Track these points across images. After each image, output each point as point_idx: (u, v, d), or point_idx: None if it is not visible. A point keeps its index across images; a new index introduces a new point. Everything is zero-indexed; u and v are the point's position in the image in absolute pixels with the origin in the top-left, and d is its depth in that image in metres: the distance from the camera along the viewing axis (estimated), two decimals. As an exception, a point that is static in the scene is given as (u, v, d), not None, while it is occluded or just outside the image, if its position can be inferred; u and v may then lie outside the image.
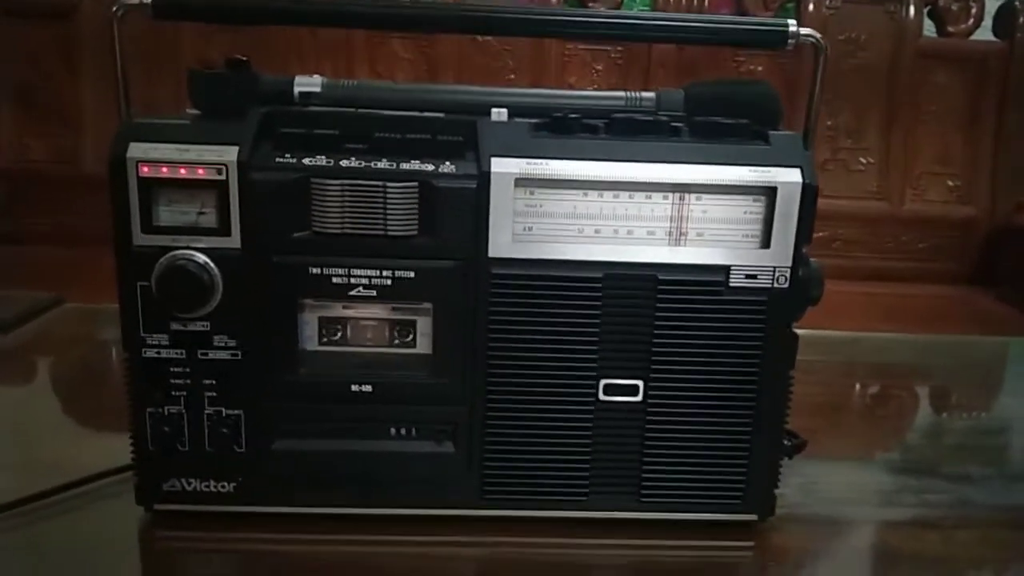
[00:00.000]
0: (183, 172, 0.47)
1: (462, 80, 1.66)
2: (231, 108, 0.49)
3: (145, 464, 0.51)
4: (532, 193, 0.48)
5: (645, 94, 0.54)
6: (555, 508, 0.53)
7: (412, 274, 0.48)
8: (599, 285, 0.49)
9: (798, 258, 0.49)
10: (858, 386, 0.89)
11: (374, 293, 0.49)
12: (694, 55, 1.68)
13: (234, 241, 0.47)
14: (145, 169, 0.46)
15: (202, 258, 0.47)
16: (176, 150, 0.47)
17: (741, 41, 0.54)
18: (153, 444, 0.50)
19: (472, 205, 0.48)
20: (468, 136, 0.49)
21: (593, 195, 0.49)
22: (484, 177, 0.47)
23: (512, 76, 1.69)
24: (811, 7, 1.72)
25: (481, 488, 0.52)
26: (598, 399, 0.51)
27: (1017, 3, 1.74)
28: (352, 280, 0.48)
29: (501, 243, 0.48)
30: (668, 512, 0.53)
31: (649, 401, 0.51)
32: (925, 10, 1.74)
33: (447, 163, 0.48)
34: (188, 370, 0.49)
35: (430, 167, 0.48)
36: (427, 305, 0.50)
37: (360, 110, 0.51)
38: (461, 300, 0.49)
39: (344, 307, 0.50)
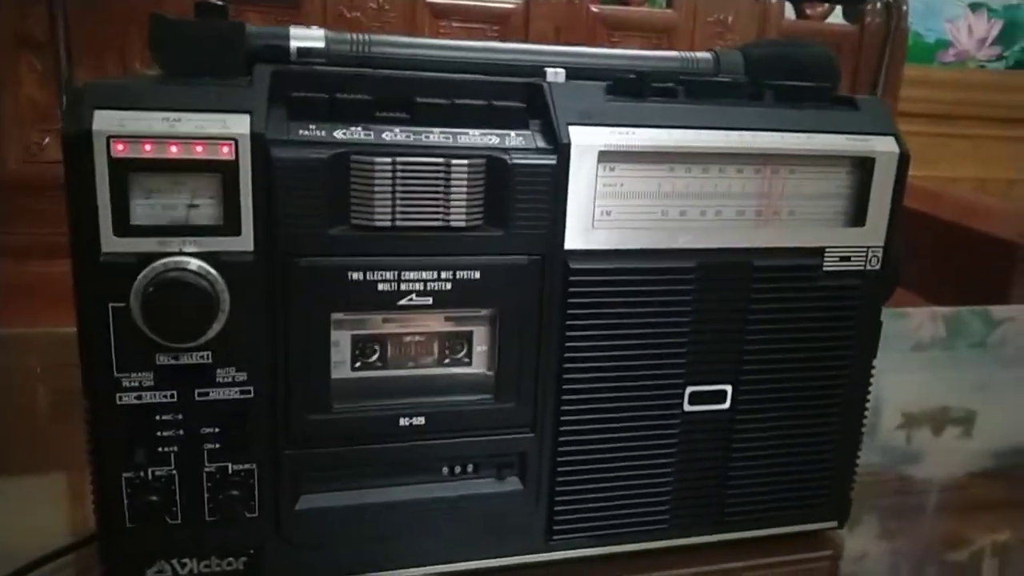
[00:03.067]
0: (174, 151, 0.34)
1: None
2: (213, 67, 0.37)
3: (120, 547, 0.38)
4: (613, 169, 0.40)
5: (700, 55, 0.47)
6: (632, 541, 0.45)
7: (477, 275, 0.39)
8: (691, 276, 0.42)
9: (892, 237, 0.44)
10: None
11: (429, 301, 0.38)
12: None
13: (245, 242, 0.36)
14: (120, 147, 0.34)
15: (202, 266, 0.35)
16: (163, 120, 0.34)
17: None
18: (133, 519, 0.37)
19: (550, 186, 0.39)
20: (531, 101, 0.40)
21: (680, 170, 0.41)
22: (564, 150, 0.39)
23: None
24: (683, -10, 1.73)
25: (549, 528, 0.43)
26: (683, 411, 0.43)
27: (863, -11, 1.83)
28: (403, 286, 0.38)
29: (578, 232, 0.40)
30: (752, 530, 0.47)
31: (737, 408, 0.44)
32: (786, -6, 1.80)
33: (513, 135, 0.39)
34: (181, 417, 0.37)
35: (493, 139, 0.38)
36: (483, 313, 0.40)
37: (383, 71, 0.41)
38: (533, 303, 0.40)
39: (384, 321, 0.39)
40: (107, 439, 0.36)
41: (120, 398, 0.36)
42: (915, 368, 0.81)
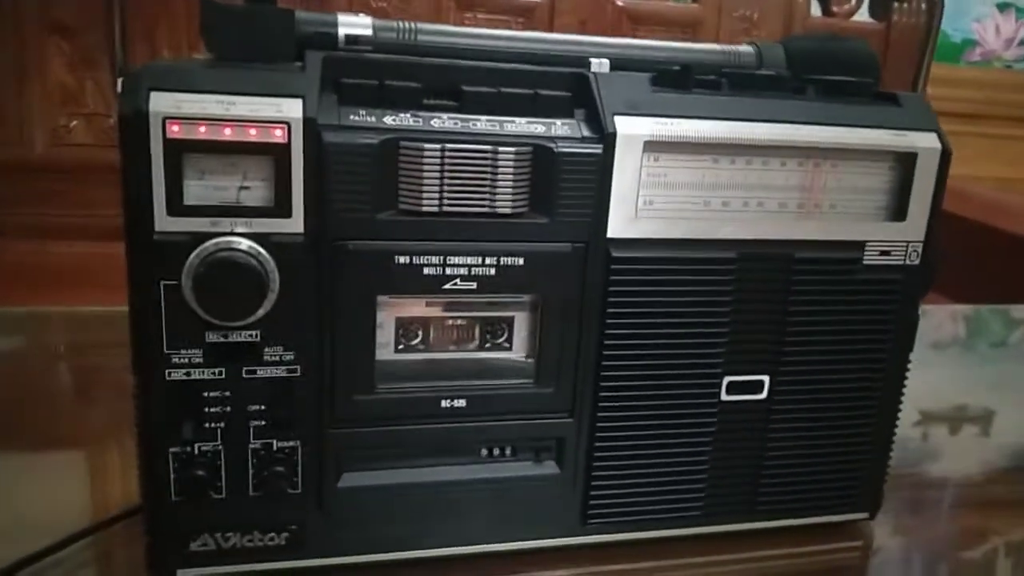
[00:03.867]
0: (228, 133, 0.35)
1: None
2: (263, 52, 0.38)
3: (165, 520, 0.38)
4: (657, 160, 0.40)
5: (743, 48, 0.47)
6: (665, 527, 0.45)
7: (521, 261, 0.39)
8: (732, 267, 0.42)
9: (932, 232, 0.44)
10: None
11: (474, 285, 0.39)
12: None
13: (295, 224, 0.36)
14: (175, 128, 0.34)
15: (253, 246, 0.36)
16: (217, 103, 0.35)
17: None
18: (179, 493, 0.38)
19: (596, 174, 0.39)
20: (576, 91, 0.40)
21: (724, 162, 0.41)
22: (610, 139, 0.39)
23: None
24: (708, -16, 1.72)
25: (584, 512, 0.44)
26: (720, 400, 0.44)
27: (891, -13, 1.82)
28: (448, 271, 0.38)
29: (622, 221, 0.40)
30: (785, 519, 0.47)
31: (774, 398, 0.45)
32: (813, -10, 1.79)
33: (559, 123, 0.39)
34: (228, 394, 0.38)
35: (540, 128, 0.39)
36: (525, 299, 0.41)
37: (430, 59, 0.41)
38: (575, 291, 0.40)
39: (428, 304, 0.40)
40: (155, 414, 0.37)
41: (169, 374, 0.37)
42: (934, 366, 0.81)
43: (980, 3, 2.04)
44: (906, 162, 0.43)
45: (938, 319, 0.99)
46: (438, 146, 0.37)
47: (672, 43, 0.46)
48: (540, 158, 0.38)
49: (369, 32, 0.42)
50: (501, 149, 0.37)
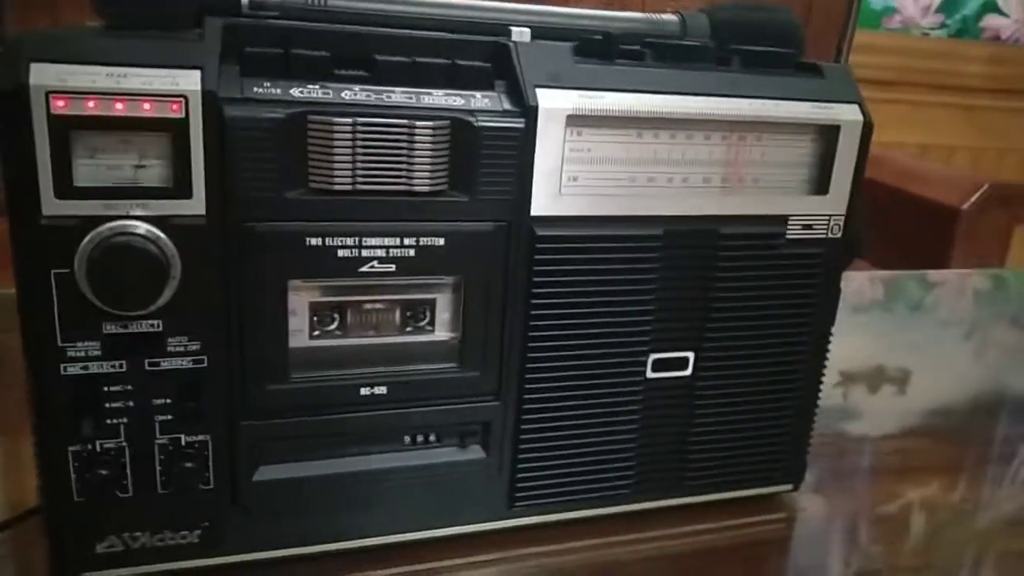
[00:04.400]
0: (120, 108, 0.32)
1: None
2: (160, 19, 0.35)
3: (67, 522, 0.36)
4: (580, 134, 0.39)
5: (667, 16, 0.46)
6: (594, 506, 0.45)
7: (441, 241, 0.37)
8: (658, 244, 0.41)
9: (853, 206, 0.45)
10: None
11: (392, 268, 0.37)
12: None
13: (196, 205, 0.34)
14: (60, 103, 0.31)
15: (151, 230, 0.33)
16: (108, 75, 0.32)
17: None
18: (81, 494, 0.36)
19: (517, 150, 0.38)
20: (496, 61, 0.39)
21: (648, 136, 0.40)
22: (531, 113, 0.37)
23: None
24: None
25: (511, 495, 0.43)
26: (646, 377, 0.43)
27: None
28: (364, 253, 0.37)
29: (546, 198, 0.39)
30: (713, 493, 0.47)
31: (699, 374, 0.44)
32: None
33: (478, 96, 0.37)
34: (131, 388, 0.35)
35: (458, 101, 0.37)
36: (447, 280, 0.39)
37: (341, 26, 0.39)
38: (498, 271, 0.39)
39: (344, 288, 0.38)
40: (52, 411, 0.35)
41: (65, 368, 0.34)
42: (853, 329, 0.83)
43: (899, -30, 2.08)
44: (829, 135, 0.43)
45: (858, 283, 1.01)
46: (349, 120, 0.35)
47: (595, 11, 0.45)
48: (459, 133, 0.37)
49: (275, -3, 0.39)
50: (418, 124, 0.36)
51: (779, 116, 0.42)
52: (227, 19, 0.36)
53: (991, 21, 2.10)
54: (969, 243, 1.32)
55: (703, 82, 0.41)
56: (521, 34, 0.40)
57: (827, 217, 0.44)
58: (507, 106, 0.38)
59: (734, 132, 0.42)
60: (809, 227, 0.44)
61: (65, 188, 0.32)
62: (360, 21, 0.40)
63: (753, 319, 0.44)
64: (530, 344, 0.40)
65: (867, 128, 0.44)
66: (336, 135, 0.35)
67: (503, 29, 0.41)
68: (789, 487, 0.49)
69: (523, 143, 0.38)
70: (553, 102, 0.38)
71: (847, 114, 0.43)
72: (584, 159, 0.39)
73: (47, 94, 0.31)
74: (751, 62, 0.43)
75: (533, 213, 0.39)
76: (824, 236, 0.44)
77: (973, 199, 1.33)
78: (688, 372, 0.44)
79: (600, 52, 0.40)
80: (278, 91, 0.34)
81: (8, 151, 0.32)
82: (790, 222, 0.44)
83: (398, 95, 0.36)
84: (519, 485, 0.43)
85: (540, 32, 0.41)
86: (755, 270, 0.43)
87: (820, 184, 0.44)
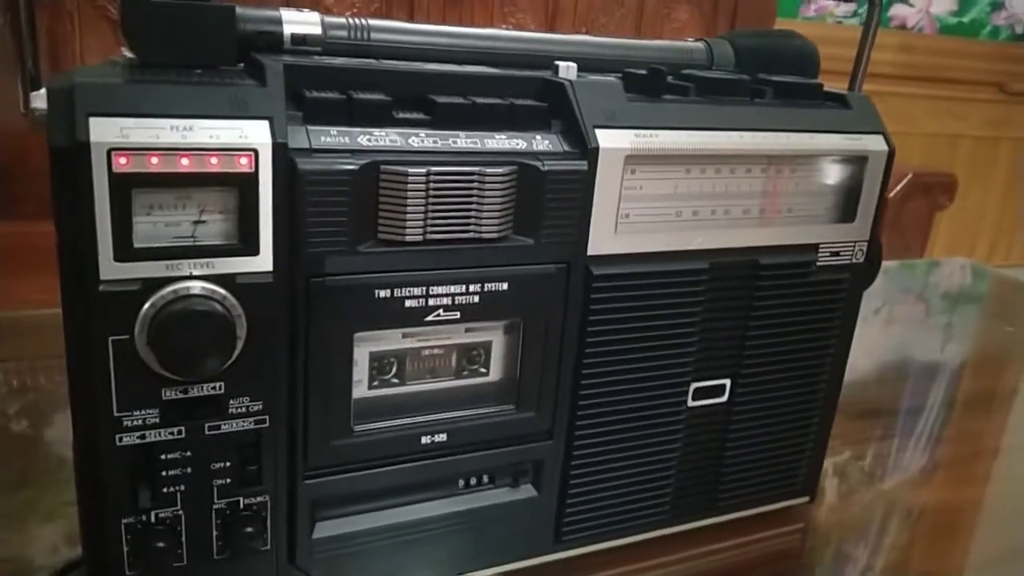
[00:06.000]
0: (185, 164, 0.30)
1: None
2: (199, 55, 0.33)
3: (118, 596, 0.34)
4: (634, 172, 0.39)
5: (693, 45, 0.46)
6: (635, 532, 0.45)
7: (505, 285, 0.37)
8: (705, 277, 0.41)
9: (876, 231, 0.46)
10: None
11: (457, 315, 0.36)
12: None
13: (263, 262, 0.32)
14: (123, 161, 0.29)
15: (216, 291, 0.31)
16: (172, 129, 0.30)
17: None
18: (133, 567, 0.34)
19: (580, 191, 0.37)
20: (551, 99, 0.38)
21: (696, 171, 0.40)
22: (593, 154, 0.37)
23: None
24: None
25: (558, 530, 0.43)
26: (687, 406, 0.44)
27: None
28: (431, 302, 0.35)
29: (602, 237, 0.39)
30: (741, 511, 0.48)
31: (735, 400, 0.45)
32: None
33: (538, 137, 0.37)
34: (189, 454, 0.33)
35: (520, 144, 0.36)
36: (502, 323, 0.39)
37: (390, 63, 0.37)
38: (558, 311, 0.38)
39: (404, 336, 0.37)
40: (105, 483, 0.32)
41: (120, 439, 0.32)
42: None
43: (813, -42, 2.14)
44: (857, 165, 0.44)
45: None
46: (423, 170, 0.33)
47: (628, 40, 0.45)
48: (525, 177, 0.36)
49: (318, 31, 0.37)
50: (488, 171, 0.35)
51: (813, 148, 0.43)
52: (282, 59, 0.34)
53: (898, 10, 2.20)
54: (893, 232, 1.39)
55: (744, 117, 0.41)
56: (568, 69, 0.40)
57: (853, 243, 0.46)
58: (567, 147, 0.37)
59: (772, 165, 0.42)
60: (837, 254, 0.45)
61: (124, 250, 0.30)
62: (404, 55, 0.39)
63: (785, 343, 0.45)
64: (583, 382, 0.40)
65: (890, 156, 0.45)
66: (411, 185, 0.33)
67: (545, 61, 0.40)
68: (806, 499, 0.51)
69: (585, 184, 0.37)
70: (612, 142, 0.37)
71: (873, 144, 0.44)
72: (636, 196, 0.39)
73: (109, 152, 0.29)
74: (783, 93, 0.44)
75: (590, 252, 0.38)
76: (850, 262, 0.46)
77: (897, 188, 1.40)
78: (725, 399, 0.45)
79: (649, 88, 0.40)
80: (346, 140, 0.33)
81: (63, 212, 0.29)
82: (820, 249, 0.45)
83: (463, 140, 0.35)
84: (567, 520, 0.43)
85: (580, 63, 0.41)
86: (788, 297, 0.44)
87: (847, 211, 0.45)
